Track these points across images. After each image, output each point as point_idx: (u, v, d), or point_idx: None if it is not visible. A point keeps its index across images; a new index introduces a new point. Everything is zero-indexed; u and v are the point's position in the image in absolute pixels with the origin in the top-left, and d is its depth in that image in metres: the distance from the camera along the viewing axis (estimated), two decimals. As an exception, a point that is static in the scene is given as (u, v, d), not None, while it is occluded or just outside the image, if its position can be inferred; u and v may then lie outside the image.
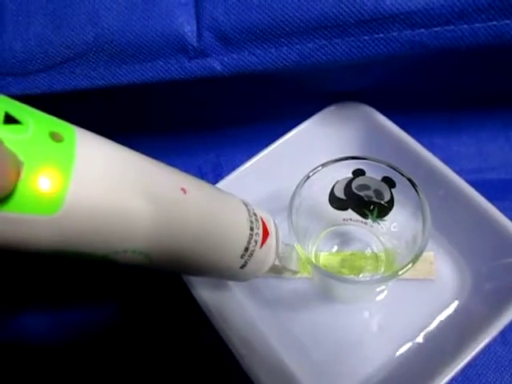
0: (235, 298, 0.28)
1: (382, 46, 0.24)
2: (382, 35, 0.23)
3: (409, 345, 0.26)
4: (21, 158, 0.12)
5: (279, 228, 0.24)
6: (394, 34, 0.23)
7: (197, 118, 0.34)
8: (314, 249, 0.29)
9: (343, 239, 0.29)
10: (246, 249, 0.21)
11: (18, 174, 0.12)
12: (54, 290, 0.33)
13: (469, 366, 0.23)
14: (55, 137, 0.13)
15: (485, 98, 0.33)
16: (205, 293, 0.26)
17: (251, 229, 0.21)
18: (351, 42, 0.24)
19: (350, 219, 0.27)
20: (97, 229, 0.14)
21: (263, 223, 0.23)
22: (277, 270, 0.26)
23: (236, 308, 0.27)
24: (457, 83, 0.31)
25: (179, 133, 0.35)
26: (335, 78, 0.29)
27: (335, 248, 0.29)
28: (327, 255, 0.29)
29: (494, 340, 0.23)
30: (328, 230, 0.29)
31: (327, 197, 0.26)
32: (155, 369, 0.29)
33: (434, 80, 0.31)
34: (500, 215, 0.26)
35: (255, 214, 0.22)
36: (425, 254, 0.27)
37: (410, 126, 0.30)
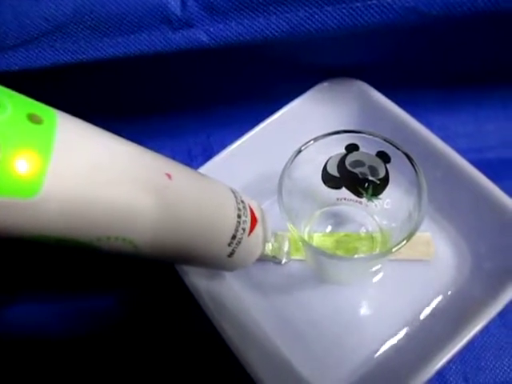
0: (228, 283, 0.27)
1: (375, 14, 0.23)
2: (375, 1, 0.22)
3: (406, 326, 0.25)
4: None
5: (272, 210, 0.23)
6: (388, 0, 0.22)
7: (185, 97, 0.33)
8: (307, 230, 0.28)
9: (337, 220, 0.28)
10: (234, 236, 0.20)
11: None
12: (51, 280, 0.33)
13: (467, 348, 0.22)
14: (34, 118, 0.13)
15: (483, 75, 0.32)
16: (197, 280, 0.25)
17: (239, 216, 0.21)
18: (342, 9, 0.23)
19: (344, 199, 0.26)
20: (77, 214, 0.14)
21: (251, 211, 0.22)
22: (266, 259, 0.25)
23: (229, 294, 0.26)
24: (454, 60, 0.30)
25: (167, 113, 0.34)
26: (328, 52, 0.28)
27: (329, 228, 0.28)
28: (321, 236, 0.28)
29: (493, 322, 0.23)
30: (321, 211, 0.28)
31: (320, 176, 0.25)
32: (148, 359, 0.29)
33: (430, 56, 0.30)
34: (501, 194, 0.25)
35: (243, 202, 0.22)
36: (421, 234, 0.27)
37: (407, 104, 0.29)
